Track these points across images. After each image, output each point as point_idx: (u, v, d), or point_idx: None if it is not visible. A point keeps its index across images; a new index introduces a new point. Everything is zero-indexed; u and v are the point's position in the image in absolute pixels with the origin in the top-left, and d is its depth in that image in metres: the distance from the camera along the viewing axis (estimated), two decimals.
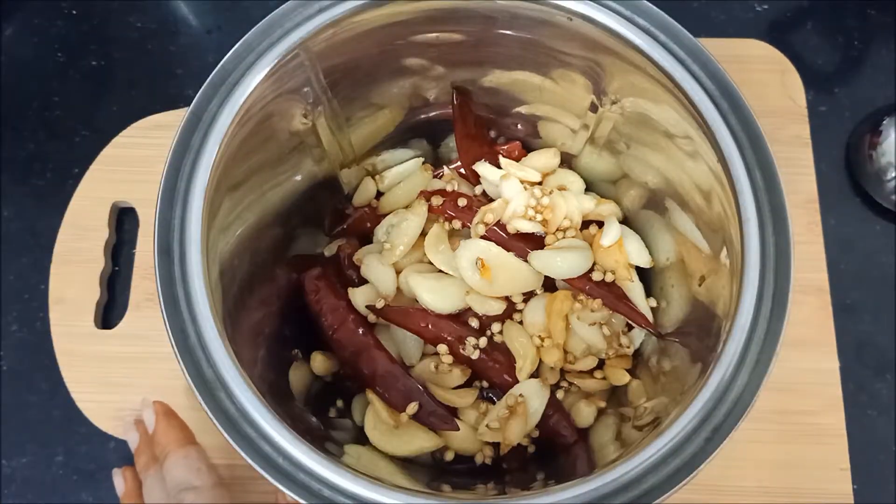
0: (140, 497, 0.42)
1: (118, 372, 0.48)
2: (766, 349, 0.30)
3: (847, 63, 0.57)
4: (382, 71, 0.41)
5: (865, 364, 0.50)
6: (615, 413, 0.42)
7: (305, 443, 0.29)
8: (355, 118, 0.43)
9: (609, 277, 0.42)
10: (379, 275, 0.43)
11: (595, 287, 0.41)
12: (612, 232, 0.42)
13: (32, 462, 0.48)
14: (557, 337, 0.41)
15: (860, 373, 0.49)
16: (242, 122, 0.34)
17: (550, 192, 0.43)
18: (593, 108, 0.41)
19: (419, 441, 0.39)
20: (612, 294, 0.41)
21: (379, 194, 0.48)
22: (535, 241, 0.42)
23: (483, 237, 0.42)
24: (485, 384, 0.43)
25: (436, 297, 0.41)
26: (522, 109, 0.45)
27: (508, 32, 0.38)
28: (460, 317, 0.42)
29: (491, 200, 0.45)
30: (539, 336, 0.42)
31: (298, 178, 0.43)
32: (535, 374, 0.42)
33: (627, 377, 0.42)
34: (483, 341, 0.42)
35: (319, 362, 0.43)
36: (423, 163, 0.48)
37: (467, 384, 0.42)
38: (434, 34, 0.39)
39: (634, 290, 0.42)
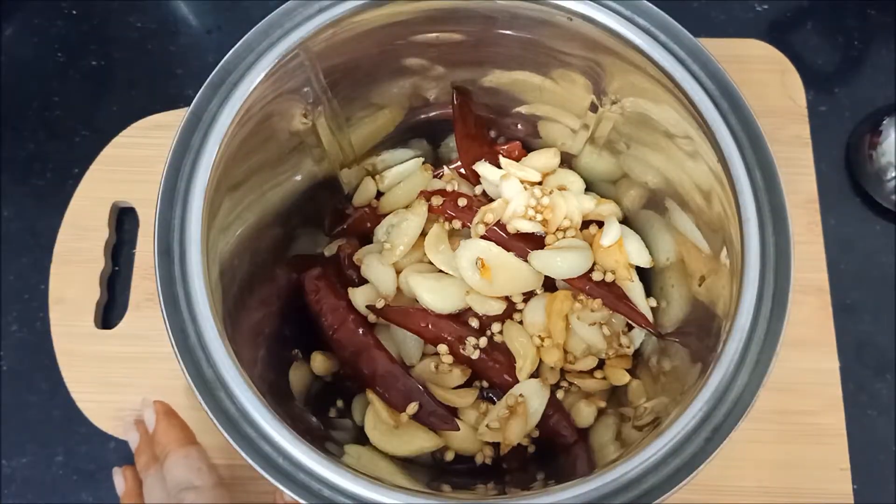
0: (140, 497, 0.42)
1: (118, 372, 0.48)
2: (766, 349, 0.30)
3: (847, 63, 0.57)
4: (382, 71, 0.41)
5: (865, 364, 0.50)
6: (615, 413, 0.42)
7: (305, 443, 0.29)
8: (355, 118, 0.43)
9: (609, 277, 0.42)
10: (379, 275, 0.43)
11: (595, 287, 0.41)
12: (612, 232, 0.42)
13: (32, 462, 0.48)
14: (557, 337, 0.41)
15: (860, 373, 0.49)
16: (242, 122, 0.34)
17: (550, 192, 0.43)
18: (593, 108, 0.41)
19: (419, 441, 0.39)
20: (612, 294, 0.41)
21: (379, 194, 0.48)
22: (535, 241, 0.42)
23: (483, 237, 0.42)
24: (485, 384, 0.43)
25: (436, 297, 0.41)
26: (522, 109, 0.45)
27: (508, 32, 0.38)
28: (460, 317, 0.42)
29: (491, 200, 0.45)
30: (539, 336, 0.42)
31: (298, 178, 0.43)
32: (535, 374, 0.42)
33: (627, 377, 0.42)
34: (483, 341, 0.42)
35: (319, 362, 0.43)
36: (423, 163, 0.48)
37: (467, 384, 0.42)
38: (434, 34, 0.39)
39: (634, 290, 0.42)
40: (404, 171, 0.48)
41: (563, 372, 0.43)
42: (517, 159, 0.47)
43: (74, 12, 0.59)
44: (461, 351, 0.41)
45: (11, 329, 0.51)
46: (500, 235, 0.42)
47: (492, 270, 0.41)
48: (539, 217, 0.42)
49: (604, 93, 0.40)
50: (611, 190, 0.47)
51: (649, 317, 0.42)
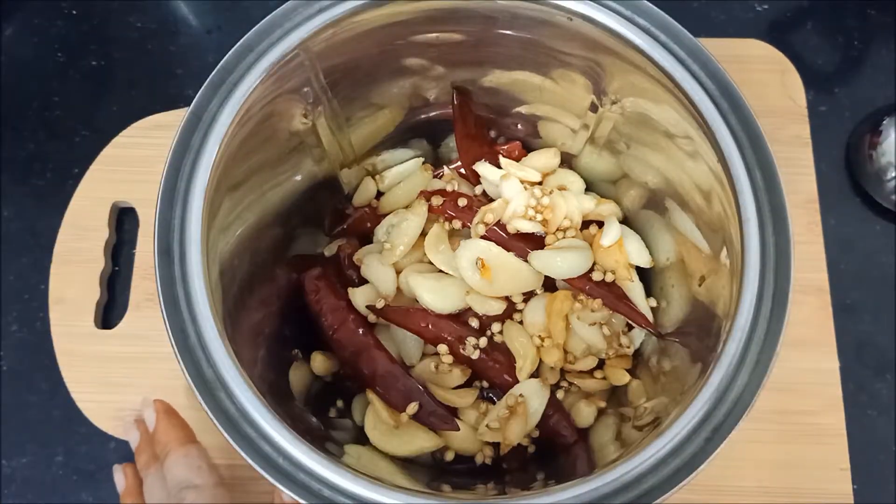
0: (140, 495, 0.42)
1: (118, 372, 0.48)
2: (766, 349, 0.30)
3: (847, 63, 0.57)
4: (382, 71, 0.41)
5: (865, 364, 0.50)
6: (615, 413, 0.42)
7: (305, 443, 0.29)
8: (355, 118, 0.43)
9: (609, 277, 0.42)
10: (379, 275, 0.43)
11: (595, 287, 0.41)
12: (612, 232, 0.42)
13: (32, 462, 0.48)
14: (557, 337, 0.41)
15: (860, 373, 0.49)
16: (242, 122, 0.34)
17: (550, 192, 0.43)
18: (593, 108, 0.41)
19: (419, 441, 0.39)
20: (612, 294, 0.41)
21: (379, 194, 0.48)
22: (535, 241, 0.42)
23: (483, 237, 0.42)
24: (485, 384, 0.43)
25: (436, 297, 0.41)
26: (522, 109, 0.45)
27: (508, 32, 0.38)
28: (460, 317, 0.42)
29: (491, 200, 0.45)
30: (539, 336, 0.42)
31: (298, 178, 0.43)
32: (535, 374, 0.42)
33: (627, 377, 0.42)
34: (483, 341, 0.42)
35: (319, 362, 0.43)
36: (423, 163, 0.48)
37: (467, 384, 0.42)
38: (434, 34, 0.39)
39: (634, 290, 0.42)
40: (404, 171, 0.48)
41: (563, 372, 0.43)
42: (517, 159, 0.47)
43: (74, 12, 0.59)
44: (461, 351, 0.41)
45: (11, 329, 0.51)
46: (500, 235, 0.42)
47: (492, 270, 0.41)
48: (539, 217, 0.42)
49: (604, 93, 0.40)
50: (611, 190, 0.47)
51: (649, 317, 0.42)
